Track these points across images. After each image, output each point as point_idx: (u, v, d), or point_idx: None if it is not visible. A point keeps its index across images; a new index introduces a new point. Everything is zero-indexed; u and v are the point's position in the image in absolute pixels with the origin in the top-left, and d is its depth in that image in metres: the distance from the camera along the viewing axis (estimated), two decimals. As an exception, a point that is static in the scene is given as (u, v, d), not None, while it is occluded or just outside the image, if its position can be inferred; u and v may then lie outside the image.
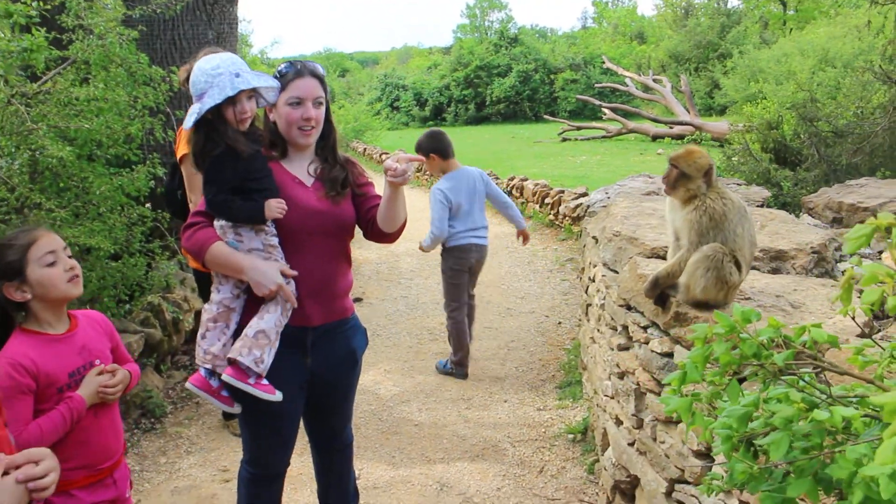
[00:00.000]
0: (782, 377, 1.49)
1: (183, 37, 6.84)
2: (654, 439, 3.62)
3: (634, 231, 4.51)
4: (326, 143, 3.26)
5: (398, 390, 6.30)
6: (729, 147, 8.78)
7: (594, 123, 27.10)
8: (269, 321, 3.04)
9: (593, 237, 5.18)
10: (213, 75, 2.92)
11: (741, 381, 1.65)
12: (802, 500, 1.44)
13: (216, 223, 3.06)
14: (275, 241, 3.07)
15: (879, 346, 1.57)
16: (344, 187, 3.24)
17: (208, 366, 3.08)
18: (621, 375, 4.02)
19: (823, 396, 1.46)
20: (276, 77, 3.08)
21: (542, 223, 12.97)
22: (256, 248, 3.03)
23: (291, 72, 3.07)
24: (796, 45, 24.65)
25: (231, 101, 2.92)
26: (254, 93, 2.98)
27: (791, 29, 33.62)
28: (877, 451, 1.11)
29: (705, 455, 3.24)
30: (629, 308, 3.97)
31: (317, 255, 3.17)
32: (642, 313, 3.76)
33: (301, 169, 3.22)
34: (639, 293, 3.79)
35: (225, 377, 3.00)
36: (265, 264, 3.01)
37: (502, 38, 41.39)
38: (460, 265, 6.21)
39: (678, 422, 3.43)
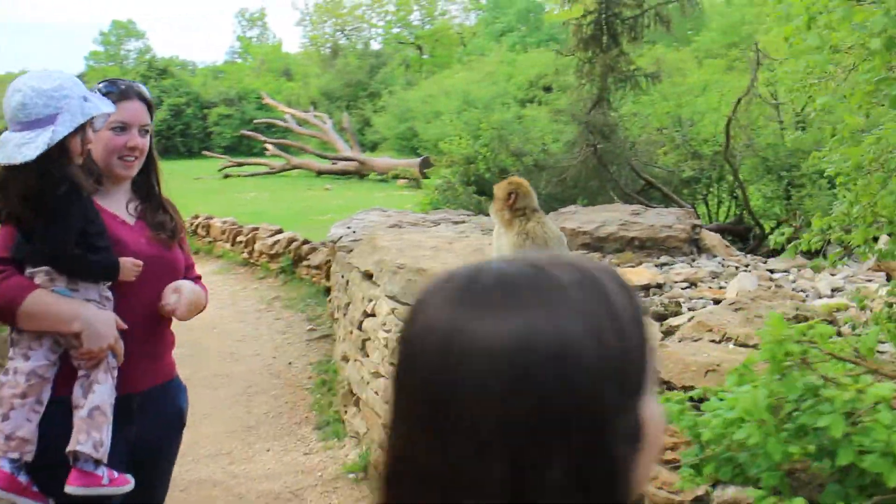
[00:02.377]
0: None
1: None
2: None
3: (419, 262, 4.63)
4: (148, 178, 2.87)
5: (143, 457, 5.60)
6: (436, 179, 9.49)
7: (257, 159, 26.87)
8: (103, 392, 2.55)
9: (364, 271, 5.19)
10: (57, 98, 2.40)
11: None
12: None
13: (31, 271, 2.50)
14: (110, 292, 2.61)
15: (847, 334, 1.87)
16: (175, 231, 2.87)
17: (14, 455, 2.48)
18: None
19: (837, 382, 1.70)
20: None
21: (236, 262, 12.51)
22: (93, 300, 2.54)
23: (115, 92, 2.65)
24: (440, 88, 27.19)
25: (77, 129, 2.44)
26: (92, 120, 2.51)
27: (427, 74, 37.00)
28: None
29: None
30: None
31: (146, 306, 2.75)
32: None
33: (119, 205, 2.78)
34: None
35: (71, 489, 2.44)
36: (103, 314, 2.54)
37: (150, 68, 39.04)
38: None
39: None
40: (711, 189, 9.35)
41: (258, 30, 60.97)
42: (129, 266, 2.57)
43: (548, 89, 28.65)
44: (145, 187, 2.86)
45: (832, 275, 6.24)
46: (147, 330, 2.74)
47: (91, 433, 2.47)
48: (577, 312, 0.77)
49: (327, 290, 9.99)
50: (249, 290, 11.09)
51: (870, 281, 5.84)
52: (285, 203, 19.07)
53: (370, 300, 5.04)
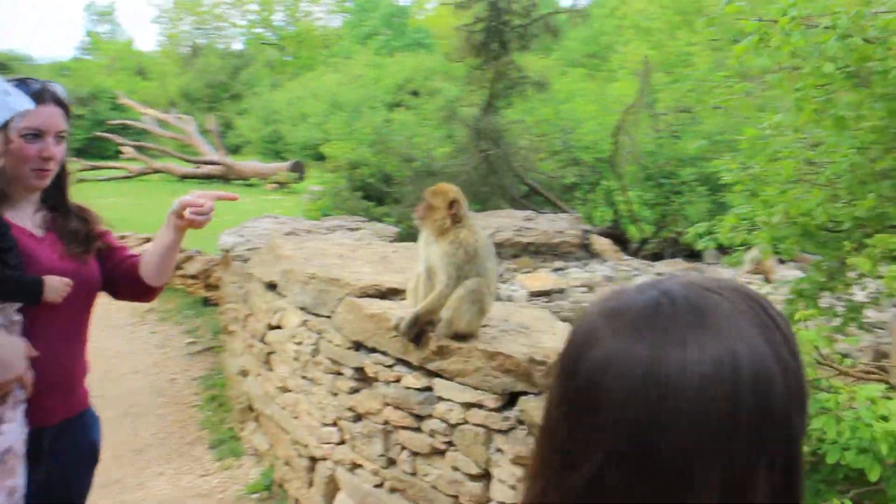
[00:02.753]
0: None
1: None
2: (414, 474, 3.66)
3: (330, 271, 4.47)
4: (58, 187, 2.59)
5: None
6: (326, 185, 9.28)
7: (113, 163, 25.24)
8: (14, 431, 2.28)
9: (268, 282, 4.96)
10: None
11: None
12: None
13: None
14: (19, 316, 2.33)
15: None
16: (89, 242, 2.61)
17: None
18: (357, 418, 3.96)
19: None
20: None
21: (101, 272, 11.68)
22: None
23: (25, 94, 2.37)
24: (307, 90, 26.67)
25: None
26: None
27: (292, 75, 36.20)
28: None
29: (482, 476, 3.42)
30: (361, 349, 3.93)
31: (60, 330, 2.49)
32: (385, 353, 3.78)
33: (27, 218, 2.50)
34: (377, 333, 3.80)
35: None
36: (10, 340, 2.26)
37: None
38: None
39: (443, 452, 3.54)
40: (590, 195, 9.69)
41: (109, 25, 57.44)
42: (57, 285, 2.31)
43: (415, 94, 28.80)
44: (55, 196, 2.59)
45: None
46: (61, 356, 2.47)
47: (4, 480, 2.19)
48: (762, 336, 0.77)
49: (205, 301, 9.52)
50: (121, 302, 10.39)
51: (748, 283, 6.24)
52: (149, 209, 18.05)
53: (275, 312, 4.82)
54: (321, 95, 25.38)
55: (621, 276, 6.25)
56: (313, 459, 4.44)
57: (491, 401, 3.39)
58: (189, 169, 23.78)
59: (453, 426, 3.50)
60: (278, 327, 4.78)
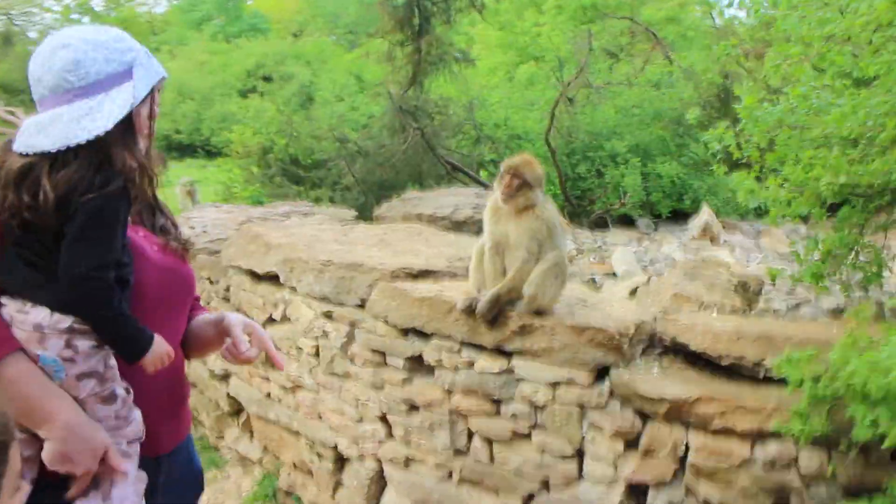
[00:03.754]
0: None
1: None
2: (492, 462, 3.47)
3: (344, 257, 4.14)
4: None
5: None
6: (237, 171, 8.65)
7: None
8: (124, 491, 1.84)
9: (261, 273, 4.51)
10: (122, 50, 1.69)
11: None
12: None
13: (12, 309, 1.73)
14: (114, 361, 1.85)
15: None
16: (186, 241, 2.16)
17: None
18: (413, 410, 3.69)
19: None
20: None
21: None
22: (90, 373, 1.72)
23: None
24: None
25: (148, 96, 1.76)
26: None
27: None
28: None
29: (574, 456, 3.30)
30: (413, 336, 3.66)
31: (168, 341, 2.04)
32: (448, 337, 3.53)
33: None
34: (435, 317, 3.55)
35: None
36: (88, 427, 1.70)
37: None
38: None
39: (527, 435, 3.38)
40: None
41: None
42: (162, 353, 1.82)
43: (268, 79, 27.73)
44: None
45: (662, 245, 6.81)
46: (168, 378, 2.02)
47: None
48: None
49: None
50: None
51: (700, 249, 6.47)
52: None
53: (276, 305, 4.40)
54: (167, 84, 23.80)
55: (587, 247, 6.28)
56: (342, 460, 4.10)
57: (583, 376, 3.26)
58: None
59: (540, 408, 3.34)
60: (281, 321, 4.37)
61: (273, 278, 4.45)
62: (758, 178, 4.70)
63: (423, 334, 3.64)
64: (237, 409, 4.97)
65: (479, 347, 3.46)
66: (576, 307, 3.53)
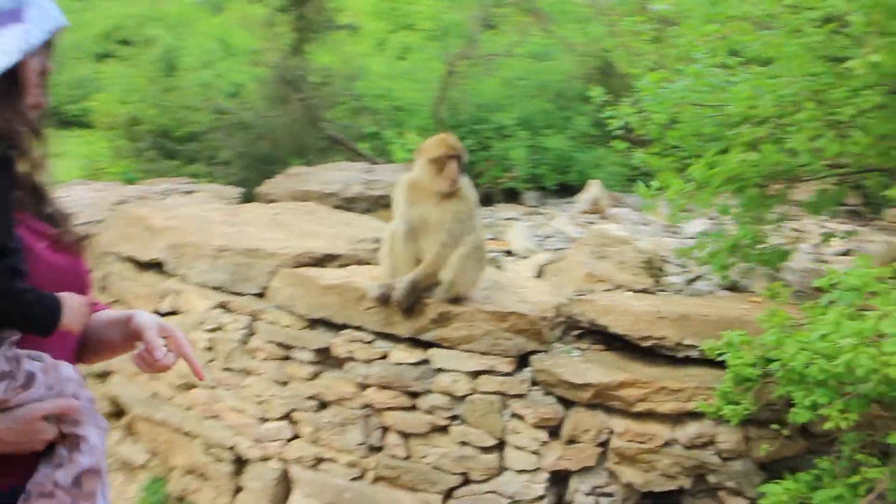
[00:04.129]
0: None
1: None
2: (408, 458, 3.31)
3: (240, 241, 3.83)
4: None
5: None
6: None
7: None
8: (93, 449, 1.62)
9: (144, 261, 4.11)
10: None
11: None
12: None
13: None
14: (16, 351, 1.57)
15: None
16: (79, 233, 1.84)
17: None
18: (322, 406, 3.46)
19: None
20: None
21: None
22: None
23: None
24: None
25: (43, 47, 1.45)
26: None
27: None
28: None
29: (496, 447, 3.20)
30: (322, 327, 3.42)
31: (60, 352, 1.73)
32: (360, 328, 3.32)
33: None
34: (346, 306, 3.34)
35: None
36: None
37: None
38: None
39: (445, 427, 3.24)
40: (392, 143, 9.50)
41: None
42: (77, 306, 1.57)
43: (126, 42, 26.02)
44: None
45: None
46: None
47: None
48: None
49: None
50: None
51: (591, 223, 6.53)
52: None
53: (163, 296, 4.02)
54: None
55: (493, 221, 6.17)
56: (242, 462, 3.82)
57: (504, 364, 3.15)
58: None
59: (460, 398, 3.20)
60: (171, 313, 3.99)
61: (159, 266, 4.06)
62: (658, 154, 4.76)
63: (332, 325, 3.41)
64: (118, 411, 4.54)
65: (395, 338, 3.28)
66: (492, 291, 3.41)
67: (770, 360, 2.39)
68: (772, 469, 3.04)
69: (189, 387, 3.98)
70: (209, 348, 3.82)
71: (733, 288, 4.19)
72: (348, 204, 6.07)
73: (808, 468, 2.70)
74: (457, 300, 3.18)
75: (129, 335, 1.74)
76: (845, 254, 4.72)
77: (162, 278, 4.06)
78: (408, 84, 9.27)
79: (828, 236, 4.06)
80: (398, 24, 14.82)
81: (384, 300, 3.18)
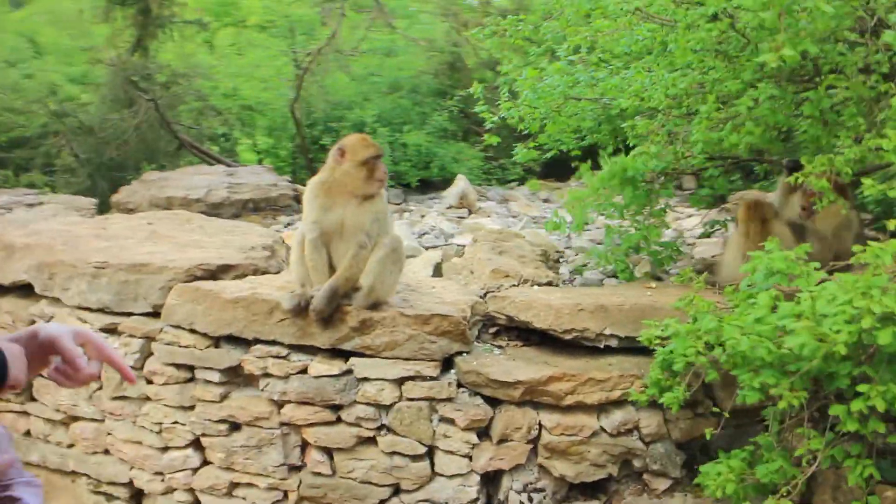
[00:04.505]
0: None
1: None
2: (333, 474, 3.16)
3: (121, 256, 3.49)
4: None
5: None
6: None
7: None
8: None
9: (9, 284, 3.64)
10: None
11: None
12: None
13: None
14: None
15: None
16: None
17: None
18: (233, 428, 3.22)
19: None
20: None
21: None
22: None
23: None
24: None
25: None
26: None
27: None
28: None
29: (427, 454, 3.13)
30: (229, 344, 3.18)
31: None
32: (273, 342, 3.12)
33: None
34: (255, 320, 3.13)
35: None
36: None
37: None
38: None
39: (372, 439, 3.12)
40: (241, 144, 9.09)
41: None
42: (18, 353, 1.38)
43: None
44: None
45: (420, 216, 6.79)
46: None
47: None
48: None
49: None
50: None
51: (462, 218, 6.57)
52: None
53: (30, 323, 3.58)
54: None
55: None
56: (139, 497, 3.49)
57: (429, 369, 3.07)
58: None
59: (386, 407, 3.08)
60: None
61: (24, 288, 3.62)
62: (537, 148, 4.85)
63: (240, 341, 3.18)
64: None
65: (313, 350, 3.11)
66: (406, 294, 3.32)
67: (711, 347, 2.48)
68: (688, 446, 3.19)
69: (69, 420, 3.58)
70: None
71: (615, 275, 4.36)
72: (214, 210, 5.72)
73: (722, 446, 2.84)
74: (376, 306, 3.06)
75: (39, 351, 1.50)
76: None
77: (28, 303, 3.62)
78: (255, 83, 8.89)
79: (710, 229, 4.29)
80: (230, 20, 14.15)
81: (299, 311, 3.01)
